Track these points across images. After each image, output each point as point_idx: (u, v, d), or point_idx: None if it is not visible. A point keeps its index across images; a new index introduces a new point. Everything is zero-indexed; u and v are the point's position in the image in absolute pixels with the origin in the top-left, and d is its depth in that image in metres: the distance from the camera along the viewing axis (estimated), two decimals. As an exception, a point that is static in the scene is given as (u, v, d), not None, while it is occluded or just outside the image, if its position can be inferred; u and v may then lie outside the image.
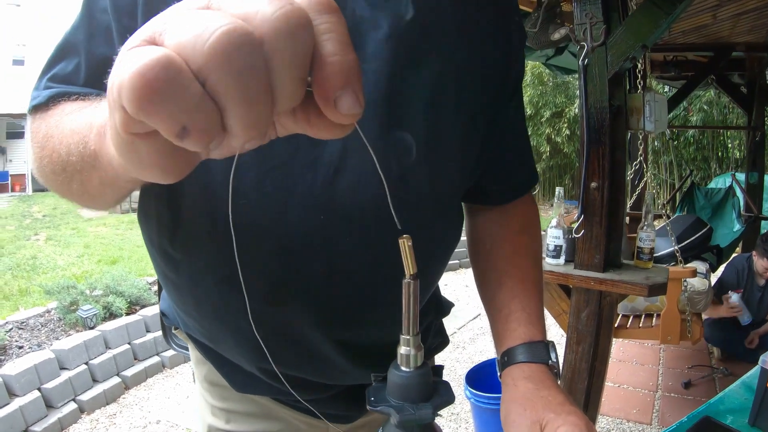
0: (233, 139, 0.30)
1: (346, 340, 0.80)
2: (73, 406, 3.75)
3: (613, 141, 2.19)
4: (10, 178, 19.05)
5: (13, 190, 18.69)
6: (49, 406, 3.65)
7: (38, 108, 0.66)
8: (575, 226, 2.27)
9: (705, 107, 11.17)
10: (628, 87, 2.37)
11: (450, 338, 1.14)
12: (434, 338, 1.05)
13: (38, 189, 18.85)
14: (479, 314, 5.54)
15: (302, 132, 0.34)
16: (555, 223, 2.41)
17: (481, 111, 0.82)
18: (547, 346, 0.83)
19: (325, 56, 0.30)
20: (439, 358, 1.13)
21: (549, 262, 2.40)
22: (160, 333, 3.47)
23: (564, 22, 2.89)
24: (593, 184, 2.22)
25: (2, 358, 3.87)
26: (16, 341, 4.19)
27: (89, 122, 0.50)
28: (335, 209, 0.69)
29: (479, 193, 0.95)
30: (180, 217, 0.73)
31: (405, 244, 0.50)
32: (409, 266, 0.52)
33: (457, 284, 6.61)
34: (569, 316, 2.37)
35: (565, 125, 12.66)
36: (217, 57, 0.27)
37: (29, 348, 4.07)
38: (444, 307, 1.08)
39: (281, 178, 0.68)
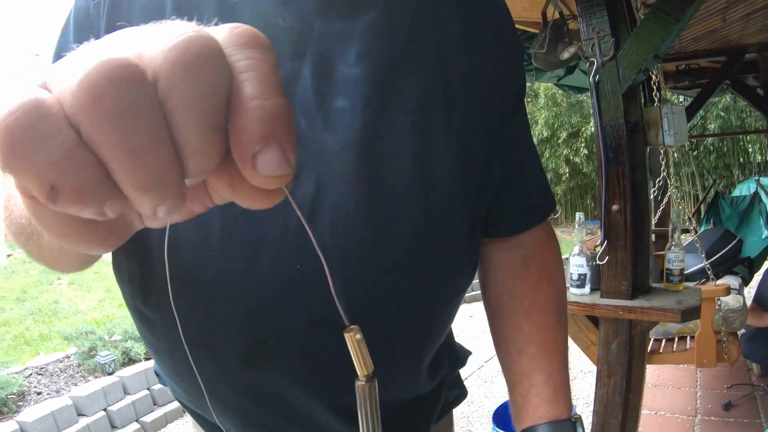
0: (135, 204, 0.24)
1: (344, 405, 0.71)
2: (90, 454, 3.68)
3: (632, 159, 2.09)
4: None
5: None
6: None
7: None
8: (599, 252, 2.16)
9: (722, 113, 11.04)
10: (643, 101, 2.27)
11: (477, 372, 1.06)
12: (450, 391, 0.95)
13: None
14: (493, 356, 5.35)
15: (232, 200, 0.28)
16: (577, 250, 2.29)
17: (479, 129, 0.72)
18: (574, 424, 0.74)
19: (243, 101, 0.24)
20: (466, 400, 1.04)
21: (573, 293, 2.28)
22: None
23: (572, 40, 2.83)
24: (615, 207, 2.10)
25: (20, 404, 3.87)
26: (35, 387, 4.17)
27: None
28: (311, 255, 0.61)
29: (489, 224, 0.84)
30: (151, 276, 0.67)
31: (352, 338, 0.40)
32: (361, 365, 0.41)
33: (484, 315, 6.38)
34: (599, 348, 2.25)
35: (583, 144, 12.51)
36: (85, 95, 0.22)
37: (48, 394, 4.05)
38: (460, 356, 0.98)
39: (248, 225, 0.61)
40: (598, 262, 2.17)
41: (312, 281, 0.63)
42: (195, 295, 0.63)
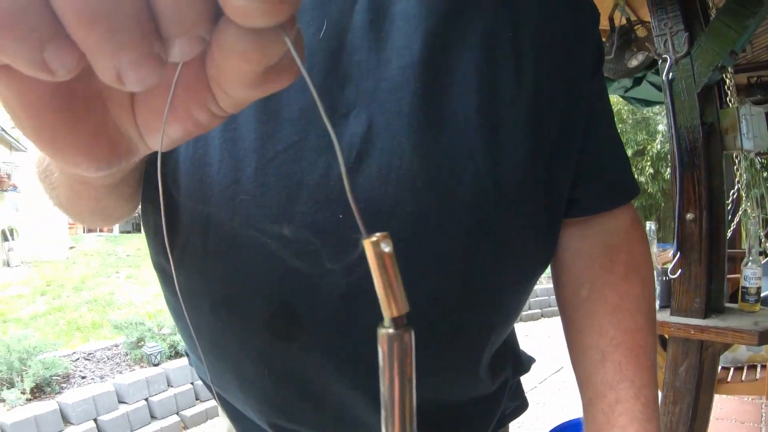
0: (87, 53, 0.20)
1: None
2: (127, 440, 3.74)
3: (708, 164, 1.93)
4: None
5: (101, 230, 19.55)
6: None
7: None
8: (670, 266, 1.98)
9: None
10: (720, 102, 2.12)
11: (530, 394, 0.93)
12: (511, 401, 0.83)
13: (124, 230, 19.73)
14: (562, 367, 5.14)
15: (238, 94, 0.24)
16: (647, 264, 2.11)
17: (553, 82, 0.63)
18: None
19: None
20: (515, 421, 0.91)
21: (641, 309, 2.09)
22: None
23: (640, 47, 2.71)
24: (689, 216, 1.93)
25: (64, 385, 3.96)
26: (81, 371, 4.28)
27: None
28: (358, 204, 0.49)
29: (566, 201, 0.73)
30: (175, 227, 0.60)
31: (376, 251, 0.25)
32: (389, 297, 0.25)
33: (539, 334, 6.28)
34: (665, 372, 2.06)
35: (648, 163, 12.12)
36: None
37: (92, 379, 4.14)
38: (524, 362, 0.85)
39: (287, 165, 0.53)
40: (669, 276, 1.99)
41: (354, 238, 0.53)
42: (220, 247, 0.56)
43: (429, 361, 0.59)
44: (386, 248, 0.25)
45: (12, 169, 10.90)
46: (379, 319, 0.53)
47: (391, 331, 0.26)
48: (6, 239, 9.96)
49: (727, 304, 2.11)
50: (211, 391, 0.73)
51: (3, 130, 10.41)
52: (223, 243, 0.55)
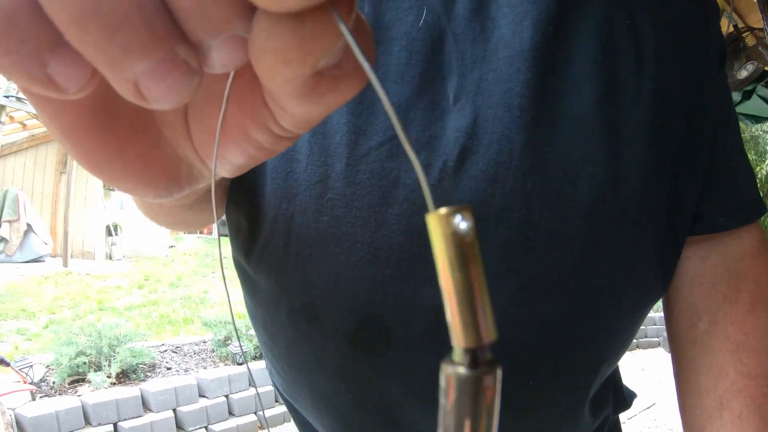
0: (95, 60, 0.16)
1: None
2: (203, 432, 3.84)
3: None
4: None
5: (201, 232, 20.53)
6: (180, 428, 3.78)
7: None
8: None
9: None
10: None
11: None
12: None
13: (223, 234, 20.63)
14: (654, 403, 4.82)
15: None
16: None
17: (676, 77, 0.56)
18: None
19: None
20: None
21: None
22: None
23: (750, 57, 2.50)
24: None
25: (149, 374, 4.11)
26: (167, 362, 4.43)
27: None
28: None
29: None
30: (257, 226, 0.57)
31: (440, 225, 0.16)
32: (464, 318, 0.15)
33: (633, 366, 5.90)
34: None
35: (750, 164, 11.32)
36: None
37: (176, 371, 4.27)
38: (626, 398, 0.75)
39: (380, 162, 0.49)
40: None
41: None
42: (303, 249, 0.52)
43: (529, 398, 0.53)
44: (465, 227, 0.16)
45: (120, 170, 11.68)
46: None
47: (462, 370, 0.16)
48: (110, 234, 10.57)
49: None
50: (283, 398, 0.72)
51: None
52: (307, 245, 0.52)
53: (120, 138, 0.22)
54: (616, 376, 0.72)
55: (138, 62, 0.16)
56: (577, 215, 0.49)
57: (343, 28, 0.16)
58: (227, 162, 0.23)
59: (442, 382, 0.17)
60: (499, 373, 0.16)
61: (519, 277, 0.49)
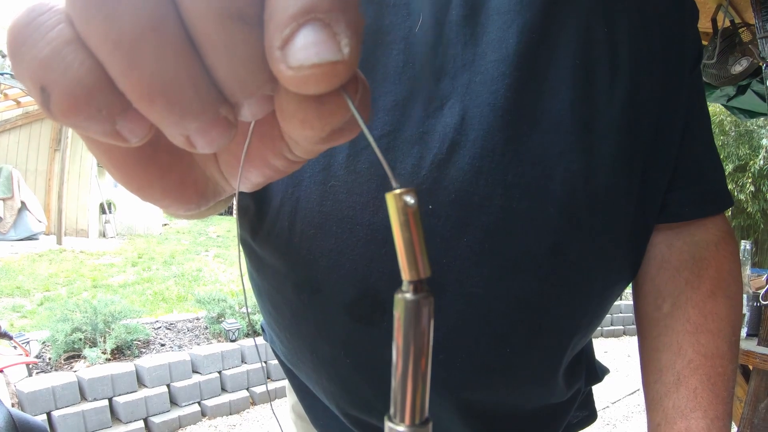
0: (156, 121, 0.20)
1: (471, 404, 0.60)
2: (196, 408, 3.92)
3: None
4: None
5: (195, 211, 20.53)
6: (174, 403, 3.86)
7: None
8: (762, 291, 1.88)
9: None
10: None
11: (600, 414, 0.88)
12: (579, 411, 0.80)
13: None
14: (638, 389, 4.91)
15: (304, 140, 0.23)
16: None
17: (649, 79, 0.62)
18: None
19: None
20: None
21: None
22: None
23: (745, 53, 2.54)
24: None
25: (143, 350, 4.17)
26: (161, 339, 4.48)
27: None
28: (448, 196, 0.54)
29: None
30: (264, 209, 0.62)
31: (394, 201, 0.22)
32: (411, 258, 0.23)
33: (619, 352, 6.04)
34: (744, 406, 1.92)
35: (749, 180, 11.17)
36: None
37: (170, 347, 4.33)
38: (597, 372, 0.82)
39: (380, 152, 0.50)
40: (761, 302, 1.89)
41: (445, 227, 0.54)
42: (307, 230, 0.58)
43: (509, 362, 0.59)
44: (410, 201, 0.23)
45: (114, 148, 11.57)
46: (467, 311, 0.54)
47: (408, 296, 0.23)
48: (104, 212, 10.54)
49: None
50: (283, 365, 0.78)
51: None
52: (312, 226, 0.57)
53: (161, 167, 0.26)
54: (589, 351, 0.79)
55: (190, 123, 0.20)
56: (553, 203, 0.55)
57: (351, 106, 0.21)
58: (248, 181, 0.28)
59: (395, 305, 0.24)
60: (431, 299, 0.23)
61: (498, 257, 0.54)
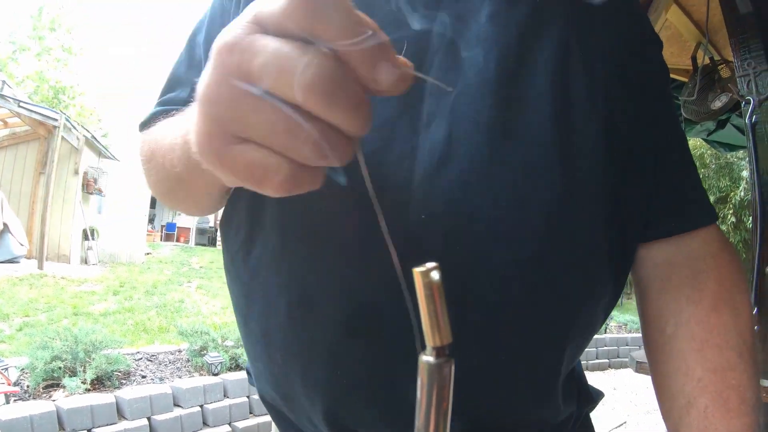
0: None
1: (478, 419, 0.60)
2: (177, 442, 3.83)
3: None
4: (176, 229, 20.58)
5: (178, 240, 20.28)
6: None
7: (141, 126, 0.72)
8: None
9: None
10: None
11: None
12: None
13: (200, 243, 20.44)
14: (625, 422, 4.92)
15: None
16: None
17: (622, 98, 0.65)
18: None
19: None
20: None
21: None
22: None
23: (724, 89, 2.63)
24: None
25: (124, 381, 4.10)
26: (142, 371, 4.41)
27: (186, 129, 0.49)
28: (438, 208, 0.56)
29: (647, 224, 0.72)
30: (257, 230, 0.65)
31: (421, 277, 0.27)
32: (434, 326, 0.27)
33: (605, 386, 5.91)
34: None
35: (731, 212, 11.34)
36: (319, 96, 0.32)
37: (151, 379, 4.26)
38: (592, 395, 0.80)
39: (371, 167, 0.54)
40: None
41: (438, 236, 0.56)
42: (299, 241, 0.60)
43: (502, 371, 0.59)
44: (435, 277, 0.27)
45: (99, 174, 11.42)
46: (470, 328, 0.57)
47: (432, 360, 0.27)
48: (87, 238, 10.42)
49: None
50: (268, 406, 0.76)
51: (93, 137, 10.99)
52: (305, 242, 0.59)
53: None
54: (581, 375, 0.79)
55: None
56: (535, 213, 0.57)
57: (360, 155, 0.34)
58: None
59: (419, 368, 0.27)
60: (453, 364, 0.27)
61: (487, 265, 0.56)
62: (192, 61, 0.74)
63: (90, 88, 17.39)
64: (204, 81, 0.33)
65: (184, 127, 0.49)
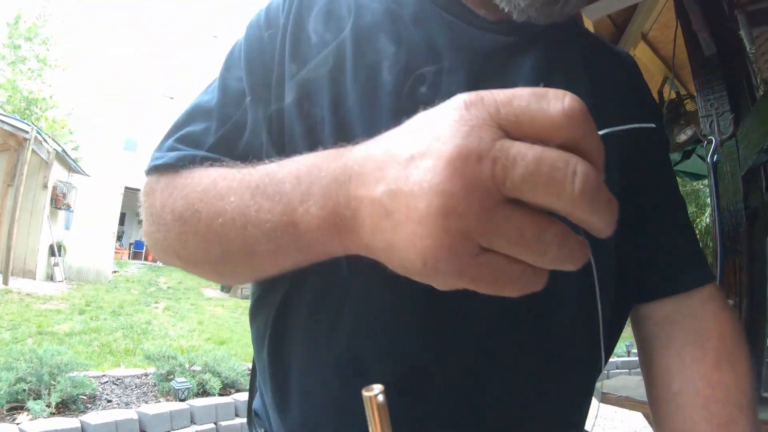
0: None
1: None
2: (143, 470, 3.73)
3: (751, 250, 1.87)
4: (144, 248, 19.94)
5: (146, 258, 19.90)
6: None
7: (161, 169, 0.63)
8: None
9: None
10: (765, 185, 2.07)
11: None
12: None
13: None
14: None
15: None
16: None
17: (617, 163, 0.68)
18: None
19: None
20: None
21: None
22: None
23: (689, 122, 2.71)
24: (729, 302, 1.87)
25: (89, 406, 4.00)
26: (107, 395, 4.32)
27: (291, 207, 0.46)
28: None
29: (642, 283, 0.75)
30: (296, 295, 0.64)
31: (372, 402, 0.31)
32: None
33: None
34: None
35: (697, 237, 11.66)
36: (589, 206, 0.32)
37: (117, 404, 4.17)
38: None
39: None
40: None
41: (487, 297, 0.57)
42: (344, 302, 0.59)
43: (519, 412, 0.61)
44: (380, 399, 0.31)
45: (68, 189, 11.20)
46: (510, 389, 0.60)
47: None
48: (53, 254, 10.20)
49: (766, 395, 2.00)
50: None
51: (64, 152, 10.83)
52: (351, 298, 0.58)
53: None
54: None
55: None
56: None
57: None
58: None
59: None
60: None
61: (483, 315, 0.58)
62: (226, 96, 0.68)
63: (63, 99, 17.13)
64: (439, 190, 0.32)
65: (284, 203, 0.46)
